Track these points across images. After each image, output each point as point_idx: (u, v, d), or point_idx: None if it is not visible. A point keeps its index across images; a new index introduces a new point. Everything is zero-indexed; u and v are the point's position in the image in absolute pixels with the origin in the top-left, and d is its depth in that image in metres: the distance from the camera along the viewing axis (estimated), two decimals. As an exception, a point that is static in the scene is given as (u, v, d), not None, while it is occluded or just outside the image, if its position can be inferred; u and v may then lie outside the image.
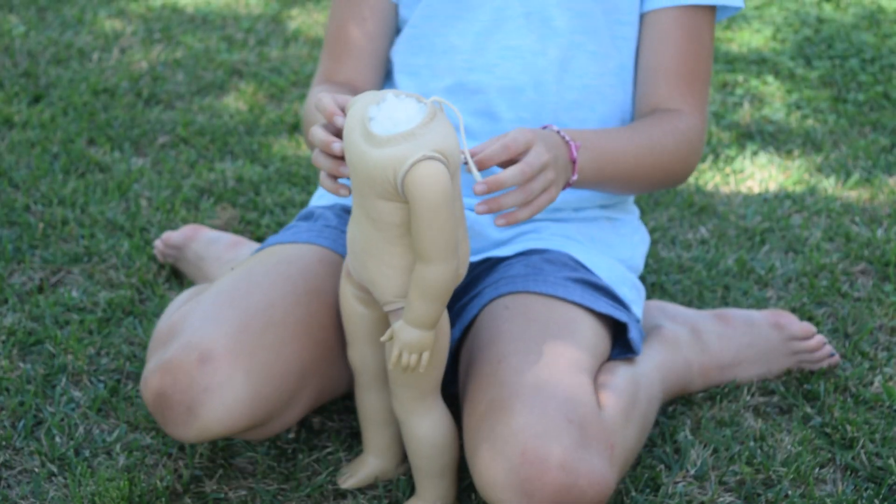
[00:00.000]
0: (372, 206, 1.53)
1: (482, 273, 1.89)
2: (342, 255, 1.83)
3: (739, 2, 1.89)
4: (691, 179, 2.76)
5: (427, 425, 1.69)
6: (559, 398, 1.60)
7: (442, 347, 1.64)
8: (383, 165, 1.48)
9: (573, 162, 1.69)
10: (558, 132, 1.69)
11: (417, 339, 1.57)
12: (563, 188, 1.69)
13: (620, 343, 1.86)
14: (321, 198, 2.01)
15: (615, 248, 1.92)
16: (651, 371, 1.87)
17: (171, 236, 2.34)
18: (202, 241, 2.29)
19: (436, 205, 1.47)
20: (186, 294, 1.88)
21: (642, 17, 1.88)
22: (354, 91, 1.88)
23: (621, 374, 1.78)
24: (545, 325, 1.73)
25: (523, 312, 1.75)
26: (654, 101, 1.88)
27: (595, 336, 1.78)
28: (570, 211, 1.90)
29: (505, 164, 1.59)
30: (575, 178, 1.69)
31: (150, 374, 1.67)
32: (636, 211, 2.02)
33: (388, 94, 1.53)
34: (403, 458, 1.82)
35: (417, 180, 1.46)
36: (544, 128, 1.71)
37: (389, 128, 1.49)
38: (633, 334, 1.84)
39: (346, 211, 1.93)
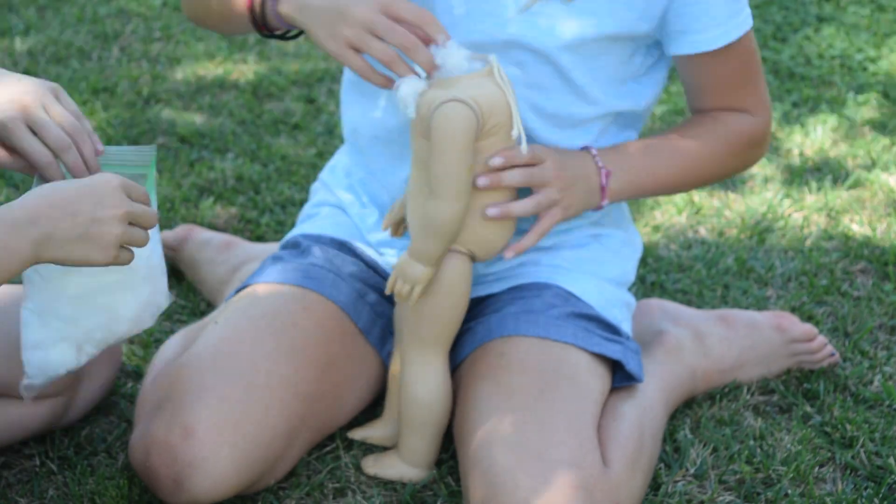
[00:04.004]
0: (416, 146, 1.65)
1: (472, 306, 1.86)
2: (327, 298, 1.83)
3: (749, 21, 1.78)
4: (691, 179, 2.75)
5: (416, 375, 1.72)
6: (563, 463, 1.60)
7: (449, 301, 1.69)
8: (427, 103, 1.61)
9: (602, 189, 1.73)
10: (593, 157, 1.73)
11: (412, 271, 1.65)
12: (595, 208, 1.74)
13: (622, 367, 1.83)
14: (305, 223, 1.98)
15: (605, 267, 1.90)
16: (655, 397, 1.85)
17: (166, 236, 2.34)
18: (195, 242, 2.29)
19: (448, 140, 1.58)
20: (176, 341, 1.87)
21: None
22: None
23: (626, 418, 1.76)
24: (542, 376, 1.72)
25: (519, 361, 1.74)
26: (708, 108, 1.84)
27: (593, 376, 1.76)
28: (559, 235, 1.87)
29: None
30: (605, 203, 1.74)
31: (136, 445, 1.68)
32: (627, 218, 1.97)
33: (457, 46, 1.63)
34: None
35: (439, 115, 1.58)
36: (584, 148, 1.75)
37: (445, 74, 1.63)
38: (632, 366, 1.81)
39: (334, 244, 1.90)
